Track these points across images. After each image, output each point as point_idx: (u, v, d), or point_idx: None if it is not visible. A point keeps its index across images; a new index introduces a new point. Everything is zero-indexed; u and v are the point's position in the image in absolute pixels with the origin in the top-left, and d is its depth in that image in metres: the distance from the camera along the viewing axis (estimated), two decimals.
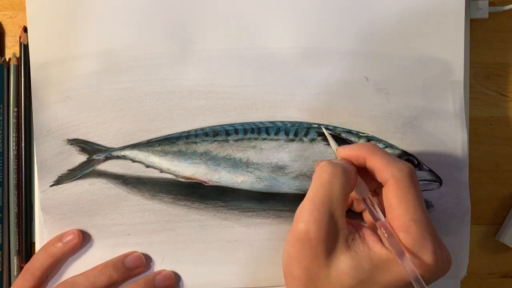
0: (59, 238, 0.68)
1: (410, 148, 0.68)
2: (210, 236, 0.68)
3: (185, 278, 0.69)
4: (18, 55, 0.72)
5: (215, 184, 0.69)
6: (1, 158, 0.71)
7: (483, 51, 0.74)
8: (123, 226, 0.69)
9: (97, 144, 0.69)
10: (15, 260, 0.71)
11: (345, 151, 0.59)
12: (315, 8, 0.69)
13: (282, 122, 0.68)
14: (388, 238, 0.53)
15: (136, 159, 0.69)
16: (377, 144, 0.68)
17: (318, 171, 0.56)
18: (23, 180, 0.71)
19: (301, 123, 0.68)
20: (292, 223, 0.55)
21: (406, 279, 0.52)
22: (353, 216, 0.64)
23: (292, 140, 0.68)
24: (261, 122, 0.68)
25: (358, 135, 0.68)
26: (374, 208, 0.56)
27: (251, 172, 0.68)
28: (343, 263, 0.53)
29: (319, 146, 0.68)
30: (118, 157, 0.69)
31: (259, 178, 0.68)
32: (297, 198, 0.67)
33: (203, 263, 0.69)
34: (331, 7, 0.69)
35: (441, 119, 0.69)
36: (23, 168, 0.71)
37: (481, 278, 0.74)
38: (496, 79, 0.74)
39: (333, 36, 0.69)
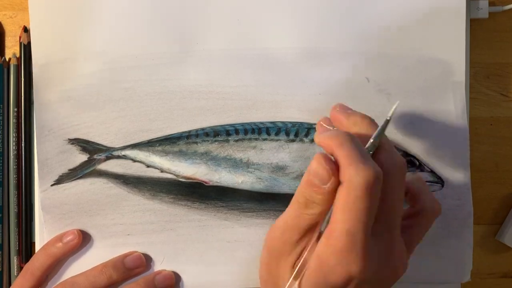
0: (59, 238, 0.68)
1: (411, 149, 0.68)
2: (211, 236, 0.69)
3: (185, 278, 0.69)
4: (18, 55, 0.72)
5: (215, 184, 0.69)
6: (1, 158, 0.71)
7: (483, 51, 0.74)
8: (123, 226, 0.69)
9: (98, 144, 0.69)
10: (15, 260, 0.71)
11: (321, 138, 0.54)
12: (316, 9, 0.69)
13: (282, 122, 0.68)
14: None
15: (137, 159, 0.69)
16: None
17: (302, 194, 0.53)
18: (23, 180, 0.71)
19: (301, 123, 0.68)
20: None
21: None
22: None
23: (293, 141, 0.68)
24: (261, 123, 0.68)
25: None
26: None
27: (251, 172, 0.68)
28: None
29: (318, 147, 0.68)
30: (118, 157, 0.69)
31: (260, 178, 0.68)
32: None
33: (203, 263, 0.69)
34: (332, 8, 0.69)
35: (442, 120, 0.69)
36: (23, 168, 0.71)
37: (481, 278, 0.74)
38: (496, 79, 0.74)
39: (334, 37, 0.69)
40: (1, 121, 0.71)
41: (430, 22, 0.69)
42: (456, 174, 0.68)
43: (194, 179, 0.69)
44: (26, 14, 0.70)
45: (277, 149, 0.68)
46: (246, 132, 0.68)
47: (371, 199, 0.49)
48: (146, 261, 0.69)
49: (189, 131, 0.69)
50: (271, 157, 0.68)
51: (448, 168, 0.68)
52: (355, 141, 0.52)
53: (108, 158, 0.69)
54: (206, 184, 0.69)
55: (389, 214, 0.53)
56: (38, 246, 0.70)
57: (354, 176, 0.49)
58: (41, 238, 0.70)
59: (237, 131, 0.68)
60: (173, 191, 0.69)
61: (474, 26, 0.73)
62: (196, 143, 0.68)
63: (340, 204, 0.50)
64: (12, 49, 0.73)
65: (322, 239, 0.51)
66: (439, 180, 0.68)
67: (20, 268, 0.71)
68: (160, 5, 0.69)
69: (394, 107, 0.55)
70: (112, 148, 0.69)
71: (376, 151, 0.53)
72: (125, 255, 0.68)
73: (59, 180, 0.69)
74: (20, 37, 0.71)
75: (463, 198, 0.69)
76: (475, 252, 0.72)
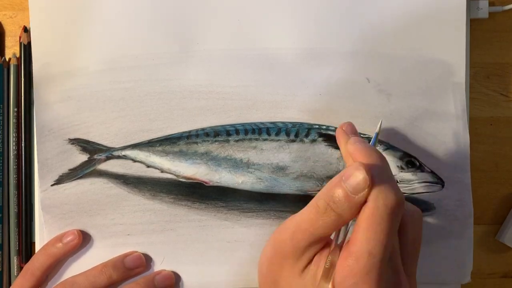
0: (59, 238, 0.68)
1: (411, 149, 0.68)
2: (211, 237, 0.68)
3: (185, 278, 0.69)
4: (18, 55, 0.72)
5: (215, 184, 0.69)
6: (1, 158, 0.71)
7: (483, 51, 0.74)
8: (123, 226, 0.69)
9: (98, 144, 0.69)
10: (15, 260, 0.71)
11: (354, 149, 0.56)
12: (316, 9, 0.69)
13: (283, 122, 0.68)
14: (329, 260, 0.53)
15: (137, 159, 0.69)
16: (378, 146, 0.68)
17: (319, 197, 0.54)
18: (23, 180, 0.71)
19: (302, 123, 0.68)
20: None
21: None
22: None
23: (293, 141, 0.68)
24: (261, 123, 0.68)
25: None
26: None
27: (251, 172, 0.68)
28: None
29: (320, 147, 0.68)
30: (119, 157, 0.69)
31: (260, 178, 0.68)
32: (297, 199, 0.67)
33: (203, 263, 0.69)
34: (332, 8, 0.69)
35: (442, 120, 0.69)
36: (23, 168, 0.71)
37: (481, 278, 0.74)
38: (496, 79, 0.74)
39: (334, 37, 0.69)
40: (1, 121, 0.71)
41: (430, 23, 0.69)
42: (456, 175, 0.68)
43: (194, 179, 0.69)
44: (26, 14, 0.71)
45: (278, 150, 0.68)
46: (246, 132, 0.68)
47: (395, 223, 0.51)
48: (146, 261, 0.69)
49: (189, 131, 0.69)
50: (272, 158, 0.68)
51: (448, 168, 0.68)
52: (386, 161, 0.54)
53: (108, 158, 0.69)
54: (206, 184, 0.69)
55: (393, 253, 0.54)
56: (38, 246, 0.70)
57: (382, 199, 0.50)
58: (41, 238, 0.70)
59: (237, 131, 0.68)
60: (173, 191, 0.69)
61: (474, 26, 0.73)
62: (197, 143, 0.68)
63: (364, 223, 0.50)
64: (12, 49, 0.73)
65: (342, 259, 0.51)
66: (439, 181, 0.68)
67: (20, 268, 0.71)
68: (160, 5, 0.69)
69: (379, 124, 0.60)
70: (112, 148, 0.69)
71: None
72: (125, 255, 0.68)
73: (59, 180, 0.69)
74: (20, 37, 0.71)
75: (463, 198, 0.69)
76: (475, 252, 0.72)
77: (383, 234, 0.50)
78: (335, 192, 0.51)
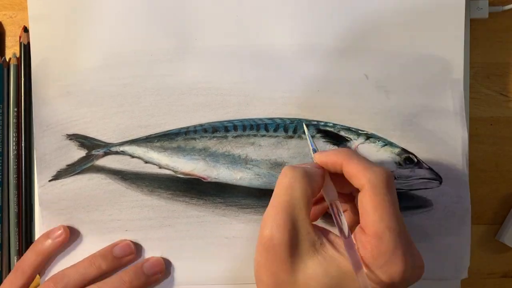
0: (47, 235, 0.69)
1: (409, 146, 0.68)
2: (209, 233, 0.68)
3: (183, 274, 0.69)
4: (18, 55, 0.72)
5: (213, 180, 0.69)
6: (1, 158, 0.71)
7: (483, 51, 0.74)
8: (121, 222, 0.69)
9: (96, 140, 0.69)
10: (15, 260, 0.71)
11: (322, 157, 0.58)
12: (315, 5, 0.69)
13: (281, 119, 0.68)
14: (348, 251, 0.52)
15: (135, 155, 0.69)
16: (376, 142, 0.68)
17: (279, 177, 0.56)
18: (23, 180, 0.71)
19: (300, 120, 0.68)
20: None
21: None
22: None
23: (291, 137, 0.68)
24: (260, 119, 0.68)
25: (357, 132, 0.68)
26: (339, 216, 0.54)
27: (250, 168, 0.68)
28: (311, 268, 0.52)
29: (318, 143, 0.67)
30: (117, 153, 0.69)
31: (258, 174, 0.68)
32: None
33: (201, 259, 0.69)
34: (331, 4, 0.69)
35: (440, 117, 0.69)
36: (23, 168, 0.71)
37: (481, 278, 0.74)
38: (496, 79, 0.73)
39: (333, 34, 0.69)
40: (1, 121, 0.71)
41: (429, 20, 0.69)
42: (454, 171, 0.68)
43: (193, 175, 0.69)
44: (26, 14, 0.71)
45: (276, 146, 0.68)
46: (244, 128, 0.68)
47: (394, 193, 0.54)
48: (137, 250, 0.69)
49: (188, 127, 0.69)
50: (270, 154, 0.68)
51: (446, 165, 0.68)
52: (358, 153, 0.58)
53: (106, 153, 0.69)
54: (204, 180, 0.69)
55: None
56: None
57: (374, 177, 0.53)
58: None
59: (235, 127, 0.68)
60: (171, 187, 0.69)
61: (474, 26, 0.73)
62: (195, 139, 0.68)
63: (370, 205, 0.52)
64: (12, 49, 0.74)
65: (366, 244, 0.52)
66: (437, 177, 0.68)
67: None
68: (159, 1, 0.69)
69: (306, 129, 0.65)
70: (110, 143, 0.69)
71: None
72: (114, 245, 0.68)
73: (57, 176, 0.69)
74: (20, 37, 0.72)
75: (461, 195, 0.68)
76: (475, 252, 0.72)
77: (392, 206, 0.52)
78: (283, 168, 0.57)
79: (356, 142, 0.68)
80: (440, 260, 0.68)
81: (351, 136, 0.68)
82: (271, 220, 0.53)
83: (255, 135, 0.68)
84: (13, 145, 0.71)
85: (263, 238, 0.53)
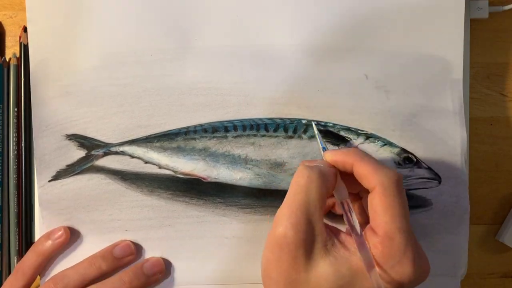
0: (47, 236, 0.69)
1: (409, 145, 0.68)
2: (209, 233, 0.68)
3: (183, 274, 0.69)
4: (18, 55, 0.72)
5: (213, 180, 0.69)
6: (1, 158, 0.71)
7: (483, 51, 0.74)
8: (121, 222, 0.69)
9: (96, 140, 0.69)
10: (15, 260, 0.71)
11: (332, 156, 0.58)
12: (315, 5, 0.69)
13: (281, 119, 0.68)
14: (360, 250, 0.53)
15: (135, 155, 0.69)
16: (375, 142, 0.68)
17: (295, 176, 0.56)
18: (23, 180, 0.71)
19: (300, 120, 0.68)
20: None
21: None
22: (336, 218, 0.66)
23: (291, 137, 0.68)
24: (260, 119, 0.68)
25: (357, 132, 0.68)
26: (351, 214, 0.55)
27: (249, 168, 0.68)
28: (322, 268, 0.53)
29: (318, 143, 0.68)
30: (116, 153, 0.69)
31: (258, 174, 0.68)
32: None
33: (201, 259, 0.68)
34: (331, 4, 0.69)
35: (440, 117, 0.69)
36: (23, 168, 0.71)
37: (481, 278, 0.74)
38: (496, 79, 0.74)
39: (333, 33, 0.69)
40: (1, 121, 0.71)
41: (429, 20, 0.69)
42: (453, 171, 0.68)
43: (192, 175, 0.69)
44: (26, 14, 0.71)
45: (276, 146, 0.68)
46: (244, 128, 0.68)
47: (404, 196, 0.54)
48: (138, 250, 0.69)
49: (188, 127, 0.69)
50: (270, 154, 0.68)
51: (446, 164, 0.68)
52: (368, 153, 0.58)
53: (106, 154, 0.69)
54: (204, 180, 0.69)
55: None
56: None
57: (386, 179, 0.54)
58: None
59: (235, 127, 0.68)
60: (171, 187, 0.69)
61: (474, 26, 0.73)
62: (195, 139, 0.68)
63: (381, 207, 0.53)
64: (12, 49, 0.74)
65: (377, 244, 0.53)
66: (436, 177, 0.68)
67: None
68: (159, 1, 0.69)
69: (315, 127, 0.65)
70: (110, 144, 0.69)
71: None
72: (114, 245, 0.68)
73: (57, 176, 0.69)
74: (20, 37, 0.72)
75: (460, 194, 0.68)
76: (475, 252, 0.72)
77: (402, 207, 0.53)
78: (299, 167, 0.57)
79: (356, 142, 0.68)
80: (438, 259, 0.68)
81: (351, 136, 0.68)
82: (285, 219, 0.54)
83: (255, 135, 0.68)
84: (13, 145, 0.71)
85: (276, 236, 0.54)
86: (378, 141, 0.68)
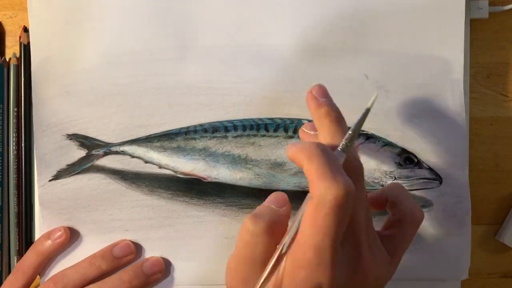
0: (47, 235, 0.69)
1: (409, 146, 0.68)
2: (209, 233, 0.68)
3: (183, 274, 0.69)
4: (18, 55, 0.72)
5: (213, 180, 0.69)
6: (1, 158, 0.71)
7: (483, 51, 0.74)
8: (121, 222, 0.69)
9: (96, 139, 0.69)
10: (15, 260, 0.71)
11: (289, 152, 0.52)
12: (315, 5, 0.69)
13: (281, 119, 0.68)
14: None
15: (135, 155, 0.69)
16: (376, 142, 0.68)
17: (241, 227, 0.52)
18: (23, 180, 0.71)
19: (300, 120, 0.68)
20: None
21: None
22: None
23: (291, 137, 0.68)
24: (260, 119, 0.68)
25: None
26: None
27: (250, 168, 0.68)
28: None
29: None
30: (117, 153, 0.69)
31: (258, 174, 0.68)
32: (295, 195, 0.66)
33: (201, 259, 0.69)
34: (331, 4, 0.69)
35: (440, 117, 0.69)
36: (23, 168, 0.71)
37: (481, 278, 0.74)
38: (496, 79, 0.73)
39: (333, 33, 0.69)
40: (1, 121, 0.71)
41: (429, 20, 0.69)
42: (454, 172, 0.68)
43: (193, 175, 0.69)
44: (26, 14, 0.71)
45: (276, 146, 0.68)
46: (244, 128, 0.68)
47: (341, 215, 0.47)
48: (138, 250, 0.69)
49: (188, 127, 0.69)
50: (270, 154, 0.68)
51: (447, 165, 0.68)
52: (327, 153, 0.49)
53: (106, 153, 0.69)
54: (204, 180, 0.69)
55: (354, 228, 0.51)
56: None
57: (323, 193, 0.47)
58: None
59: (235, 127, 0.68)
60: (171, 187, 0.69)
61: (474, 26, 0.73)
62: (195, 139, 0.68)
63: (308, 219, 0.48)
64: (12, 49, 0.73)
65: (289, 254, 0.50)
66: (437, 177, 0.68)
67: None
68: (159, 0, 0.69)
69: (374, 97, 0.55)
70: (110, 143, 0.69)
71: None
72: (114, 245, 0.68)
73: (57, 176, 0.69)
74: (20, 37, 0.72)
75: (461, 195, 0.68)
76: (475, 252, 0.72)
77: (329, 227, 0.47)
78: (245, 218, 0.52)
79: (356, 142, 0.67)
80: (440, 261, 0.68)
81: None
82: (231, 271, 0.53)
83: (255, 135, 0.68)
84: (13, 145, 0.71)
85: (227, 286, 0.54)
86: (378, 141, 0.68)
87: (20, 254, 0.71)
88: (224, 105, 0.68)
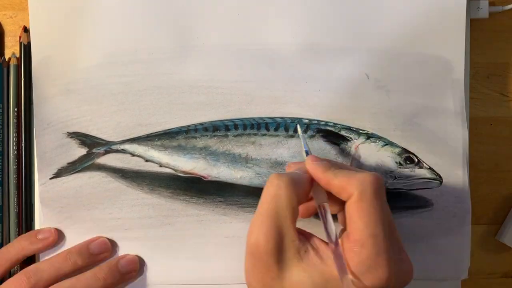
0: (34, 234, 0.69)
1: (410, 145, 0.68)
2: (209, 231, 0.68)
3: (183, 273, 0.69)
4: (18, 55, 0.71)
5: (214, 179, 0.69)
6: (1, 158, 0.70)
7: (483, 51, 0.74)
8: (121, 220, 0.69)
9: (97, 138, 0.69)
10: None
11: (310, 169, 0.57)
12: (316, 4, 0.69)
13: (281, 118, 0.68)
14: (334, 256, 0.52)
15: (136, 153, 0.69)
16: (376, 142, 0.68)
17: (266, 184, 0.55)
18: (23, 180, 0.71)
19: (300, 119, 0.68)
20: None
21: None
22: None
23: (292, 136, 0.68)
24: (260, 118, 0.68)
25: (358, 132, 0.68)
26: (326, 219, 0.54)
27: (250, 167, 0.68)
28: (296, 276, 0.52)
29: (319, 142, 0.68)
30: (117, 151, 0.69)
31: (258, 174, 0.68)
32: None
33: (201, 258, 0.69)
34: (332, 4, 0.69)
35: (441, 117, 0.69)
36: (23, 168, 0.71)
37: (481, 278, 0.74)
38: (496, 79, 0.73)
39: (334, 33, 0.69)
40: (1, 121, 0.70)
41: (430, 20, 0.69)
42: (454, 171, 0.68)
43: (193, 173, 0.69)
44: (26, 14, 0.71)
45: (276, 145, 0.68)
46: (245, 127, 0.68)
47: (383, 197, 0.53)
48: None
49: (188, 126, 0.69)
50: (270, 153, 0.68)
51: (447, 165, 0.68)
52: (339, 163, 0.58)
53: (107, 152, 0.69)
54: (205, 179, 0.69)
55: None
56: None
57: (360, 183, 0.53)
58: None
59: (236, 126, 0.68)
60: (171, 186, 0.69)
61: (474, 26, 0.73)
62: (195, 138, 0.68)
63: (356, 214, 0.52)
64: (12, 49, 0.73)
65: (348, 250, 0.52)
66: (438, 177, 0.68)
67: (20, 268, 0.70)
68: (159, 0, 0.69)
69: (299, 128, 0.65)
70: (111, 142, 0.69)
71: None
72: (91, 241, 0.68)
73: (58, 174, 0.69)
74: (20, 37, 0.71)
75: (461, 195, 0.68)
76: (475, 252, 0.72)
77: (378, 212, 0.52)
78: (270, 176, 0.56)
79: (357, 142, 0.68)
80: (440, 261, 0.68)
81: (352, 136, 0.68)
82: (256, 228, 0.54)
83: (255, 134, 0.68)
84: (13, 145, 0.71)
85: (249, 245, 0.54)
86: (379, 141, 0.68)
87: None
88: (225, 104, 0.69)
